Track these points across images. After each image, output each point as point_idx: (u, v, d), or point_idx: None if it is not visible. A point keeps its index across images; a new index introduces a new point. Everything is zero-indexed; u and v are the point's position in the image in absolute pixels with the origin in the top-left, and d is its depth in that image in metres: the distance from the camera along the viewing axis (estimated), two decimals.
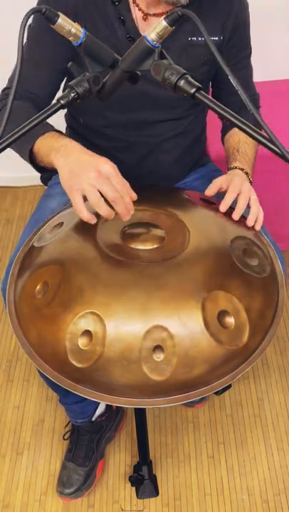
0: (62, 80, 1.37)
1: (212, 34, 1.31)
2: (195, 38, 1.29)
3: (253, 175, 1.37)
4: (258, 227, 1.21)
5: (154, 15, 1.27)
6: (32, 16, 1.26)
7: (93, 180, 1.01)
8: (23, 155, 1.21)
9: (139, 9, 1.27)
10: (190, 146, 1.47)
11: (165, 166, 1.45)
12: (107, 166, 1.03)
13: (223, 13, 1.31)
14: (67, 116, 1.53)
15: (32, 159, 1.19)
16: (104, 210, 1.03)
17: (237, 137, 1.42)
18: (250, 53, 1.43)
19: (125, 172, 1.41)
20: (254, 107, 0.81)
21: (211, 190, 1.26)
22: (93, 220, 1.05)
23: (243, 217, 1.22)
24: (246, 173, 1.32)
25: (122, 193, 1.03)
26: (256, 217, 1.21)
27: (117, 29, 1.27)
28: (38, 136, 1.16)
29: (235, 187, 1.22)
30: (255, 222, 1.20)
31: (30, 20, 1.08)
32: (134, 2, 1.26)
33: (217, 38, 1.32)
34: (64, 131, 1.54)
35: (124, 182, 1.04)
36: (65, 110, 1.52)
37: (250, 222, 1.20)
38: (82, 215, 1.04)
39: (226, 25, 1.32)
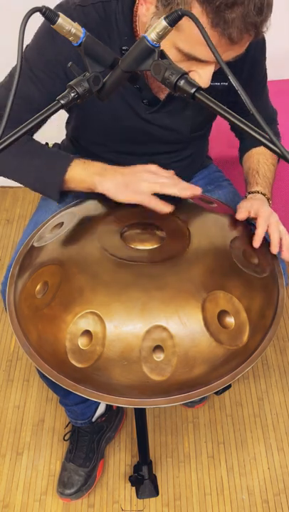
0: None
1: (222, 80, 1.24)
2: (218, 84, 1.24)
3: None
4: (284, 256, 1.19)
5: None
6: (30, 48, 1.23)
7: (149, 178, 1.13)
8: (49, 188, 1.26)
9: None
10: (192, 161, 1.47)
11: None
12: (152, 166, 1.15)
13: (239, 60, 1.22)
14: (67, 136, 1.51)
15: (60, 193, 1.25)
16: (177, 190, 1.13)
17: (257, 158, 1.40)
18: (266, 78, 1.41)
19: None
20: (273, 133, 0.78)
21: (242, 215, 1.21)
22: (171, 208, 1.14)
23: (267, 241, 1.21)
24: (268, 199, 1.31)
25: (174, 179, 1.15)
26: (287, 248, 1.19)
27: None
28: (67, 167, 1.21)
29: (266, 218, 1.19)
30: (283, 251, 1.19)
31: (29, 26, 1.07)
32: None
33: (227, 83, 1.26)
34: (61, 136, 1.55)
35: (170, 172, 1.16)
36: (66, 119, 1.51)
37: (284, 254, 1.19)
38: (165, 209, 1.13)
39: (243, 67, 1.28)
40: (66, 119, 1.50)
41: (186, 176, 1.50)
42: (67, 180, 1.22)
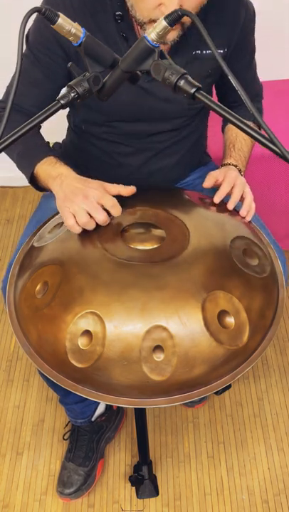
0: (56, 97, 1.38)
1: (218, 47, 1.30)
2: (200, 52, 1.29)
3: (250, 173, 1.39)
4: (248, 218, 1.25)
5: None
6: (31, 32, 1.27)
7: (82, 203, 1.11)
8: (25, 175, 1.30)
9: (136, 21, 1.23)
10: (191, 149, 1.48)
11: (166, 169, 1.46)
12: (93, 191, 1.13)
13: (229, 26, 1.30)
14: (69, 121, 1.52)
15: (33, 181, 1.29)
16: (90, 227, 1.12)
17: (236, 131, 1.44)
18: (254, 51, 1.44)
19: (127, 174, 1.42)
20: (256, 109, 0.81)
21: (208, 183, 1.30)
22: (79, 231, 1.12)
23: (236, 211, 1.26)
24: (239, 170, 1.36)
25: (106, 205, 1.13)
26: (249, 208, 1.26)
27: (120, 46, 1.24)
28: (37, 162, 1.25)
29: (231, 179, 1.27)
30: (247, 213, 1.26)
31: (29, 25, 1.09)
32: (131, 14, 1.22)
33: (222, 51, 1.31)
34: (65, 132, 1.55)
35: (111, 199, 1.13)
36: (67, 113, 1.52)
37: (243, 212, 1.25)
38: (73, 229, 1.12)
39: (232, 37, 1.32)
40: (67, 112, 1.51)
41: (183, 172, 1.50)
42: (36, 175, 1.26)
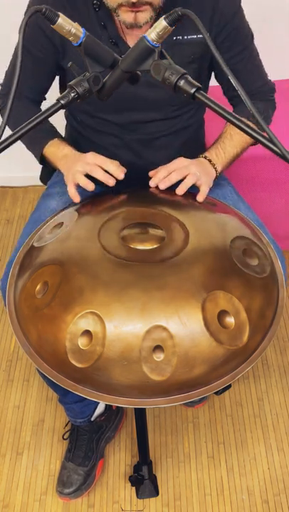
0: (51, 81, 1.44)
1: (197, 31, 1.28)
2: (180, 37, 1.28)
3: (250, 174, 1.39)
4: (199, 198, 1.27)
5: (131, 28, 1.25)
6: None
7: (79, 167, 1.27)
8: (36, 158, 1.45)
9: (116, 14, 1.24)
10: (185, 143, 1.47)
11: (159, 163, 1.46)
12: (89, 155, 1.28)
13: (208, 9, 1.28)
14: (66, 114, 1.53)
15: (43, 162, 1.44)
16: (90, 188, 1.27)
17: (227, 127, 1.43)
18: (252, 40, 1.38)
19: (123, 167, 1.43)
20: (253, 106, 0.80)
21: (153, 172, 1.33)
22: (77, 199, 1.28)
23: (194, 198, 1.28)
24: (209, 160, 1.37)
25: (102, 165, 1.27)
26: (186, 188, 1.27)
27: (99, 34, 1.27)
28: (44, 146, 1.39)
29: (170, 166, 1.30)
30: (198, 194, 1.28)
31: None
32: (114, 11, 1.23)
33: (201, 36, 1.29)
34: (64, 128, 1.55)
35: (104, 159, 1.27)
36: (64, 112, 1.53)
37: (178, 190, 1.27)
38: (75, 199, 1.28)
39: (213, 20, 1.29)
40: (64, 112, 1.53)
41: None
42: (46, 157, 1.41)
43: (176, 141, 1.45)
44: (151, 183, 1.29)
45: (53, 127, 1.43)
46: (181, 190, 1.27)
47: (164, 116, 1.39)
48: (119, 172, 1.25)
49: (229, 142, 1.40)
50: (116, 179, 1.32)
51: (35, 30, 1.29)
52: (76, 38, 0.89)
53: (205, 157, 1.37)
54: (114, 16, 1.26)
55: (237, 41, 1.35)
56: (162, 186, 1.27)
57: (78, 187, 1.31)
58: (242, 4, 1.34)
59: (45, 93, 1.47)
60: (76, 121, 1.47)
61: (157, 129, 1.41)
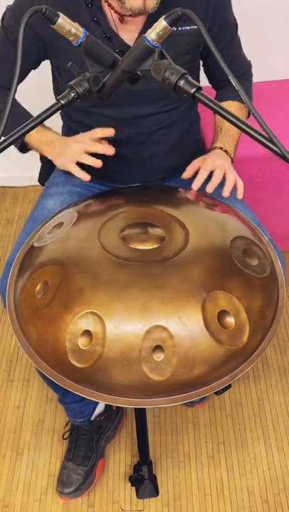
0: (25, 75, 1.42)
1: (191, 23, 1.26)
2: (175, 29, 1.28)
3: (249, 173, 1.40)
4: (239, 196, 1.29)
5: (131, 15, 1.26)
6: (7, 15, 1.32)
7: (76, 148, 1.28)
8: (14, 144, 1.38)
9: (115, 11, 1.26)
10: (181, 137, 1.48)
11: (158, 158, 1.47)
12: (80, 136, 1.29)
13: (201, 4, 1.30)
14: (62, 114, 1.54)
15: (23, 148, 1.44)
16: (98, 164, 1.27)
17: None
18: (237, 28, 1.44)
19: (119, 164, 1.43)
20: (247, 96, 0.82)
21: (187, 173, 1.34)
22: (88, 177, 1.29)
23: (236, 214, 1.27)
24: (225, 151, 1.38)
25: (91, 150, 1.27)
26: (232, 186, 1.29)
27: (93, 30, 1.27)
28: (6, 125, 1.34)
29: (208, 165, 1.31)
30: (237, 191, 1.30)
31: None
32: (108, 5, 1.26)
33: (197, 27, 1.30)
34: (60, 129, 1.55)
35: (89, 143, 1.28)
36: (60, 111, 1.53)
37: (225, 192, 1.28)
38: (85, 178, 1.29)
39: (206, 13, 1.32)
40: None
41: (176, 161, 1.50)
42: (27, 143, 1.40)
43: (172, 134, 1.46)
44: (195, 187, 1.29)
45: (30, 114, 1.42)
46: (211, 188, 1.29)
47: (160, 110, 1.40)
48: (109, 149, 1.26)
49: (232, 128, 1.43)
50: (116, 180, 1.32)
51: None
52: (76, 38, 0.89)
53: (221, 148, 1.39)
54: (106, 11, 1.27)
55: (228, 31, 1.41)
56: (210, 190, 1.29)
57: (78, 186, 1.31)
58: (242, 4, 1.36)
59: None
60: (72, 120, 1.47)
61: (153, 123, 1.42)
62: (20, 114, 1.39)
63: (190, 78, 0.87)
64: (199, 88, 0.86)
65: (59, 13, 0.86)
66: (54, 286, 1.05)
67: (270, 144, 0.79)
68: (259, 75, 1.53)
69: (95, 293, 1.02)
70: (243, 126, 0.82)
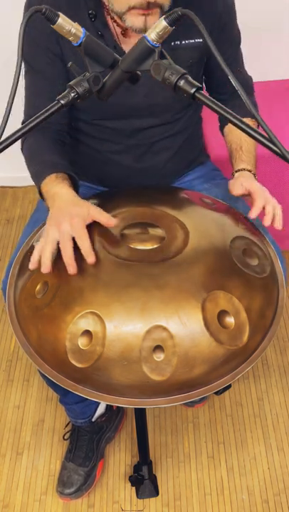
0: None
1: (195, 37, 1.29)
2: (178, 42, 1.28)
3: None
4: (279, 226, 1.23)
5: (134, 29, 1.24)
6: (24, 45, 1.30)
7: (66, 229, 1.07)
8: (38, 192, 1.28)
9: (118, 25, 1.25)
10: (183, 145, 1.47)
11: (160, 166, 1.46)
12: (76, 219, 1.08)
13: (206, 16, 1.25)
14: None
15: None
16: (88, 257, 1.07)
17: (237, 132, 1.41)
18: (240, 41, 1.42)
19: (121, 172, 1.42)
20: (252, 104, 0.81)
21: (238, 191, 1.27)
22: (33, 267, 1.08)
23: (248, 221, 1.25)
24: (254, 175, 1.34)
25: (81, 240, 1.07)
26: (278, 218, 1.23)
27: None
28: (41, 182, 1.23)
29: (262, 193, 1.24)
30: (274, 220, 1.23)
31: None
32: (111, 18, 1.24)
33: (201, 40, 1.29)
34: None
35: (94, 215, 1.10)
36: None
37: (266, 222, 1.22)
38: (44, 270, 1.06)
39: (211, 28, 1.29)
40: None
41: (179, 167, 1.50)
42: (42, 193, 1.24)
43: (174, 143, 1.45)
44: (253, 216, 1.22)
45: (52, 160, 1.29)
46: (267, 222, 1.22)
47: (162, 122, 1.39)
48: (90, 257, 1.06)
49: (252, 147, 1.39)
50: (117, 186, 1.27)
51: (33, 47, 1.27)
52: (76, 38, 0.89)
53: (250, 171, 1.34)
54: (110, 25, 1.26)
55: (230, 46, 1.39)
56: (267, 223, 1.22)
57: (80, 187, 1.30)
58: (242, 6, 1.36)
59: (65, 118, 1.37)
60: (73, 128, 1.46)
61: (156, 134, 1.41)
62: (43, 162, 1.29)
63: (190, 78, 0.87)
64: (199, 88, 0.86)
65: (59, 13, 0.86)
66: (54, 286, 1.05)
67: (270, 143, 0.79)
68: (259, 75, 1.53)
69: (95, 293, 1.02)
70: (243, 126, 0.82)
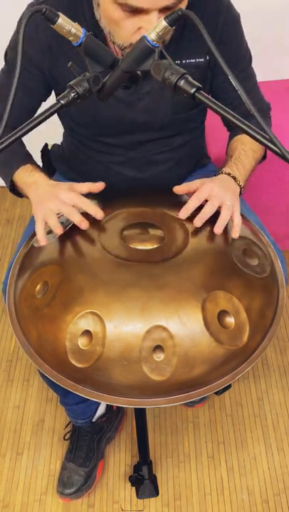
0: (32, 113, 1.36)
1: (197, 56, 1.25)
2: (179, 61, 1.24)
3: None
4: (235, 235, 1.13)
5: None
6: (9, 48, 1.29)
7: (52, 206, 1.14)
8: (6, 184, 1.33)
9: (117, 45, 1.17)
10: (187, 154, 1.46)
11: (161, 176, 1.45)
12: (64, 192, 1.15)
13: (207, 32, 1.23)
14: (63, 124, 1.52)
15: (13, 188, 1.32)
16: (58, 231, 1.14)
17: (235, 145, 1.37)
18: (250, 63, 1.36)
19: (123, 182, 1.42)
20: (260, 116, 0.78)
21: (179, 189, 1.21)
22: (43, 243, 1.14)
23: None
24: (233, 177, 1.25)
25: (78, 205, 1.15)
26: (224, 223, 1.13)
27: None
28: (15, 169, 1.28)
29: (203, 192, 1.15)
30: (232, 229, 1.14)
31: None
32: (110, 40, 1.18)
33: (203, 59, 1.26)
34: (61, 136, 1.55)
35: (79, 197, 1.15)
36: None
37: (216, 228, 1.12)
38: (40, 242, 1.14)
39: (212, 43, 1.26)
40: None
41: (181, 172, 1.50)
42: (15, 182, 1.29)
43: (177, 154, 1.44)
44: (182, 216, 1.14)
45: (29, 154, 1.35)
46: (219, 229, 1.13)
47: (163, 135, 1.38)
48: (99, 212, 1.14)
49: (245, 158, 1.33)
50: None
51: (23, 60, 1.26)
52: (76, 38, 0.88)
53: (229, 174, 1.25)
54: (110, 46, 1.20)
55: (237, 64, 1.32)
56: (198, 224, 1.13)
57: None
58: (242, 5, 1.34)
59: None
60: (76, 139, 1.45)
61: (157, 147, 1.40)
62: (17, 153, 1.32)
63: (190, 78, 0.87)
64: (199, 88, 0.86)
65: (59, 13, 0.86)
66: (54, 286, 1.05)
67: (270, 143, 0.79)
68: (259, 75, 1.52)
69: (95, 293, 1.02)
70: (243, 126, 0.82)
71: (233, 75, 0.81)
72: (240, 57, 1.33)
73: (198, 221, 1.13)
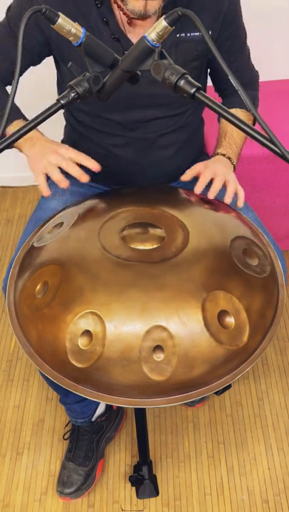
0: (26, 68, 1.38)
1: (197, 30, 1.28)
2: (183, 35, 1.29)
3: (249, 173, 1.38)
4: (240, 204, 1.27)
5: (138, 18, 1.24)
6: (13, 6, 1.30)
7: (52, 159, 1.19)
8: None
9: (124, 13, 1.25)
10: (187, 141, 1.48)
11: (162, 162, 1.46)
12: (62, 148, 1.22)
13: (212, 10, 1.30)
14: (65, 114, 1.53)
15: None
16: (64, 185, 1.20)
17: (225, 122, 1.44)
18: (246, 37, 1.43)
19: (124, 166, 1.42)
20: (252, 105, 0.82)
21: (186, 176, 1.31)
22: (48, 192, 1.21)
23: (232, 209, 1.27)
24: (229, 158, 1.36)
25: (77, 160, 1.21)
26: (233, 194, 1.26)
27: (101, 30, 1.27)
28: (7, 125, 1.27)
29: (209, 171, 1.28)
30: (238, 200, 1.27)
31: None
32: (118, 6, 1.25)
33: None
34: (63, 127, 1.55)
35: (78, 153, 1.21)
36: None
37: (226, 199, 1.25)
38: (44, 193, 1.21)
39: (216, 22, 1.32)
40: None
41: (180, 164, 1.50)
42: (7, 134, 1.30)
43: (178, 138, 1.45)
44: (197, 190, 1.26)
45: (18, 108, 1.36)
46: (229, 199, 1.27)
47: (166, 114, 1.39)
48: (95, 165, 1.20)
49: (236, 134, 1.42)
50: (118, 183, 1.28)
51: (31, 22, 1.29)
52: (76, 38, 0.89)
53: (223, 155, 1.37)
54: (115, 12, 1.26)
55: (236, 41, 1.40)
56: (211, 196, 1.25)
57: (81, 186, 1.30)
58: (243, 5, 1.36)
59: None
60: (76, 120, 1.46)
61: (159, 128, 1.41)
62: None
63: (190, 78, 0.87)
64: (199, 88, 0.86)
65: (59, 13, 0.86)
66: (54, 286, 1.05)
67: (270, 143, 0.79)
68: (259, 75, 1.53)
69: (95, 293, 1.02)
70: (243, 126, 0.82)
71: (231, 72, 0.83)
72: (240, 33, 1.41)
73: (212, 194, 1.25)
